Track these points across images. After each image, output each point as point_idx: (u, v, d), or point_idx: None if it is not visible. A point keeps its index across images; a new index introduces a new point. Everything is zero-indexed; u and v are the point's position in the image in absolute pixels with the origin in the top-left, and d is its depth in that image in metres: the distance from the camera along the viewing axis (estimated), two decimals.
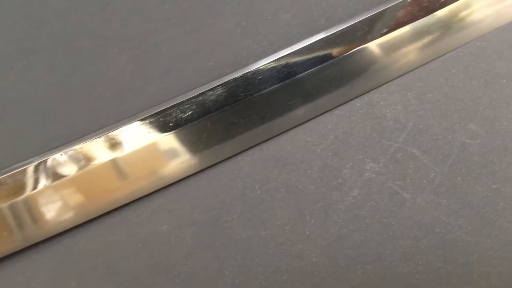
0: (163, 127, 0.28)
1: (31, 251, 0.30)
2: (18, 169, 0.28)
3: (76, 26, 0.33)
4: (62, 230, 0.30)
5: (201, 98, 0.28)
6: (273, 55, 0.29)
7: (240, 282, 0.29)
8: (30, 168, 0.27)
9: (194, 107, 0.28)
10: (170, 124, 0.28)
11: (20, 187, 0.28)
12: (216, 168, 0.31)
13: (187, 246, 0.30)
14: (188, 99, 0.28)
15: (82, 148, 0.27)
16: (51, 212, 0.30)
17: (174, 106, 0.28)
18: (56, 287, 0.30)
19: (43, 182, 0.28)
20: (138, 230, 0.30)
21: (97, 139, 0.28)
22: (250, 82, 0.28)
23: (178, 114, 0.28)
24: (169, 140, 0.29)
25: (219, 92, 0.28)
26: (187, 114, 0.28)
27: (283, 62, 0.28)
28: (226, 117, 0.29)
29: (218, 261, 0.30)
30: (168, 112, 0.28)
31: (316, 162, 0.31)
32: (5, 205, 0.27)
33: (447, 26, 0.30)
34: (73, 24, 0.33)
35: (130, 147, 0.28)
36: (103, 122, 0.32)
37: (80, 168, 0.28)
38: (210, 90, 0.28)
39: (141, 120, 0.28)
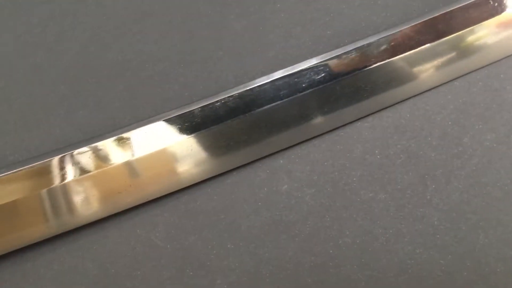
0: (296, 88, 0.35)
1: (151, 206, 0.37)
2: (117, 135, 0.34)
3: None
4: (179, 188, 0.36)
5: (335, 61, 0.35)
6: (411, 21, 0.36)
7: (361, 242, 0.36)
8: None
9: (328, 69, 0.35)
10: (303, 85, 0.35)
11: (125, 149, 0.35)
12: (336, 132, 0.38)
13: (307, 206, 0.37)
14: (322, 61, 0.35)
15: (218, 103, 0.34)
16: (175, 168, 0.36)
17: (308, 68, 0.35)
18: (175, 241, 0.36)
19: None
20: (258, 190, 0.37)
21: (229, 97, 0.35)
22: (383, 48, 0.35)
23: (312, 76, 0.35)
24: (298, 101, 0.36)
25: (352, 56, 0.35)
26: (320, 76, 0.35)
27: (417, 29, 0.36)
28: (355, 82, 0.36)
29: (338, 221, 0.36)
30: (302, 73, 0.35)
31: (436, 130, 0.37)
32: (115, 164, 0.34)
33: None
34: None
35: (273, 101, 0.35)
36: (222, 85, 0.39)
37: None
38: (344, 53, 0.35)
39: (277, 79, 0.35)
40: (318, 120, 0.35)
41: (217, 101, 0.33)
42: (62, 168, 0.32)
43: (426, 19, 0.35)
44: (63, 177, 0.32)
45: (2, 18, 0.41)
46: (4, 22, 0.40)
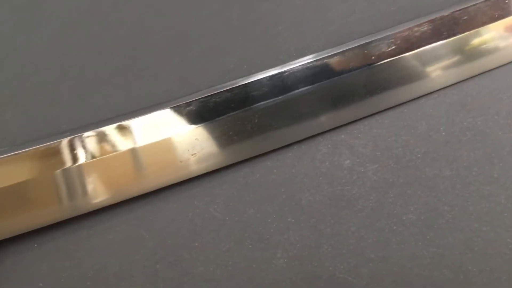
0: (365, 61, 0.37)
1: (209, 178, 0.38)
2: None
3: None
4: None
5: (406, 33, 0.37)
6: None
7: (426, 219, 0.37)
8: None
9: (399, 42, 0.37)
10: (372, 57, 0.37)
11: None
12: (399, 109, 0.39)
13: (370, 182, 0.38)
14: (394, 33, 0.36)
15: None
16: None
17: (379, 39, 0.37)
18: (234, 214, 0.37)
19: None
20: (319, 164, 0.39)
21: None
22: (456, 21, 0.37)
23: (382, 48, 0.37)
24: (365, 74, 0.38)
25: (424, 29, 0.37)
26: (390, 48, 0.37)
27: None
28: (420, 58, 0.38)
29: (402, 198, 0.38)
30: (371, 44, 0.37)
31: (503, 108, 0.39)
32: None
33: None
34: None
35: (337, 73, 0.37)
36: (282, 59, 0.41)
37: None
38: (416, 26, 0.36)
39: (346, 51, 0.37)
40: (382, 95, 0.37)
41: (285, 71, 0.34)
42: (120, 137, 0.33)
43: None
44: (120, 146, 0.33)
45: None
46: None
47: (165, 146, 0.34)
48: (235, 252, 0.35)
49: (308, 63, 0.35)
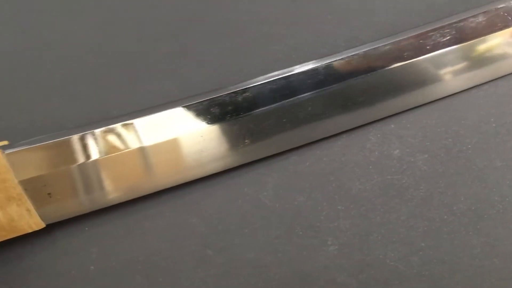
0: (420, 50, 0.38)
1: (258, 166, 0.39)
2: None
3: None
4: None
5: (462, 24, 0.38)
6: None
7: (476, 209, 0.38)
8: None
9: (454, 32, 0.38)
10: (427, 47, 0.38)
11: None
12: (448, 100, 0.40)
13: (420, 171, 0.39)
14: (449, 24, 0.37)
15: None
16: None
17: (434, 29, 0.38)
18: (284, 201, 0.38)
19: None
20: (368, 153, 0.39)
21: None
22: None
23: (438, 38, 0.38)
24: (417, 64, 0.39)
25: (479, 19, 0.38)
26: (446, 38, 0.38)
27: None
28: (478, 46, 0.39)
29: (453, 188, 0.38)
30: (427, 34, 0.38)
31: None
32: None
33: None
34: None
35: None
36: (330, 48, 0.42)
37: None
38: (471, 17, 0.37)
39: (402, 40, 0.38)
40: (432, 86, 0.37)
41: (341, 59, 0.35)
42: (176, 123, 0.34)
43: None
44: (173, 133, 0.34)
45: None
46: None
47: (220, 133, 0.35)
48: (285, 239, 0.35)
49: (361, 53, 0.36)
